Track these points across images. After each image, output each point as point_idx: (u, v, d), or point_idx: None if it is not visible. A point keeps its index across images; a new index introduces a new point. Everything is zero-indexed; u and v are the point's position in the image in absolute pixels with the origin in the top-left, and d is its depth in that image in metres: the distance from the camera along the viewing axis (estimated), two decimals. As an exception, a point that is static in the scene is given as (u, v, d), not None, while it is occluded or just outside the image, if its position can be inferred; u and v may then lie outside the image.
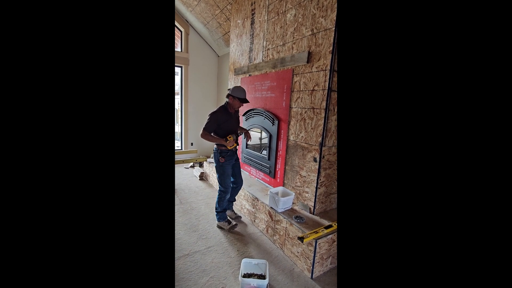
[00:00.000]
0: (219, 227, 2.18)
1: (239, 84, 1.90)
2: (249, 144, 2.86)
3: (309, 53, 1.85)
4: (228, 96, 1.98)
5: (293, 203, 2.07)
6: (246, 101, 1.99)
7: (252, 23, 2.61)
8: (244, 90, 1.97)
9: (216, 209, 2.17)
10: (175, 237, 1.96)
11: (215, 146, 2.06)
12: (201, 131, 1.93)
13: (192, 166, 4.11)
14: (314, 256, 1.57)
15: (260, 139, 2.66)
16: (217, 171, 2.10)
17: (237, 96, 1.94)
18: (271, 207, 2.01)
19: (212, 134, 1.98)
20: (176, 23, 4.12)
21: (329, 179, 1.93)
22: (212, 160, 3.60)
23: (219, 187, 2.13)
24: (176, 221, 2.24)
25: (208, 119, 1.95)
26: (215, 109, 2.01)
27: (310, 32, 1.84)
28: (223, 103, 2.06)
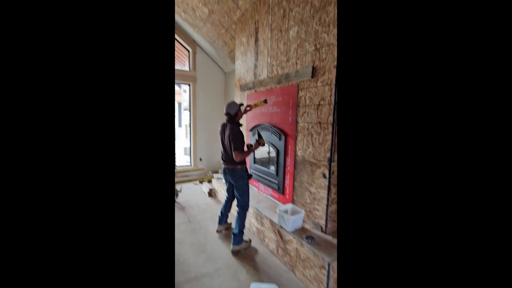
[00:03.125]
0: (236, 252, 2.01)
1: (233, 100, 2.13)
2: (257, 159, 2.83)
3: (313, 68, 1.84)
4: (235, 114, 2.00)
5: (303, 221, 1.99)
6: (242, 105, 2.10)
7: (256, 40, 2.66)
8: (232, 103, 2.03)
9: (238, 234, 2.01)
10: (183, 258, 1.92)
11: (238, 166, 2.00)
12: (234, 155, 1.87)
13: (201, 182, 4.11)
14: (328, 281, 1.47)
15: (268, 153, 2.62)
16: (242, 190, 2.03)
17: (239, 106, 2.02)
18: (281, 226, 1.94)
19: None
20: (184, 43, 4.29)
21: (340, 196, 1.84)
22: (220, 176, 3.58)
23: (242, 207, 2.05)
24: (184, 241, 2.20)
25: (235, 139, 1.89)
26: (229, 128, 1.97)
27: (313, 48, 1.84)
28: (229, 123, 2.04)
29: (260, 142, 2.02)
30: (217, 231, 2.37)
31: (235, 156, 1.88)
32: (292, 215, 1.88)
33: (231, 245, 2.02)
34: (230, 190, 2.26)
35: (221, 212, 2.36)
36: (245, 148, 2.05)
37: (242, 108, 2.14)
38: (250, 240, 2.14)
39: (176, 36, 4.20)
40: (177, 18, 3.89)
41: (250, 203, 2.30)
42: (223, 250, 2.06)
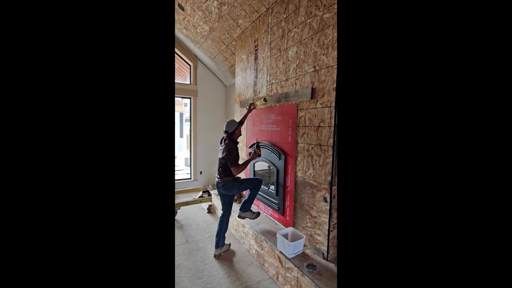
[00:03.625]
0: (242, 217, 2.28)
1: (233, 119, 2.33)
2: (256, 171, 2.77)
3: (313, 89, 1.81)
4: (232, 132, 2.16)
5: (304, 245, 1.91)
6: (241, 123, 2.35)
7: (256, 58, 2.66)
8: (231, 121, 2.22)
9: (247, 201, 2.24)
10: (180, 286, 1.84)
11: (226, 179, 2.12)
12: (232, 170, 2.01)
13: (201, 196, 4.04)
14: (330, 316, 1.38)
15: (269, 166, 2.56)
16: (243, 187, 2.21)
17: (237, 125, 2.18)
18: (281, 252, 1.86)
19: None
20: (185, 58, 4.34)
21: (342, 220, 1.78)
22: (216, 191, 3.52)
23: (254, 185, 2.23)
24: (181, 264, 2.12)
25: (231, 155, 2.04)
26: (225, 145, 2.13)
27: (312, 69, 1.82)
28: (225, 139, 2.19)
29: (256, 151, 2.14)
30: (215, 256, 2.27)
31: (233, 170, 2.02)
32: (293, 241, 1.81)
33: (239, 211, 2.29)
34: (226, 202, 2.30)
35: (217, 233, 2.27)
36: (244, 159, 2.17)
37: (245, 113, 2.44)
38: (258, 213, 2.31)
39: (177, 51, 4.24)
40: (179, 34, 3.94)
41: (252, 222, 2.36)
42: (221, 276, 1.98)
